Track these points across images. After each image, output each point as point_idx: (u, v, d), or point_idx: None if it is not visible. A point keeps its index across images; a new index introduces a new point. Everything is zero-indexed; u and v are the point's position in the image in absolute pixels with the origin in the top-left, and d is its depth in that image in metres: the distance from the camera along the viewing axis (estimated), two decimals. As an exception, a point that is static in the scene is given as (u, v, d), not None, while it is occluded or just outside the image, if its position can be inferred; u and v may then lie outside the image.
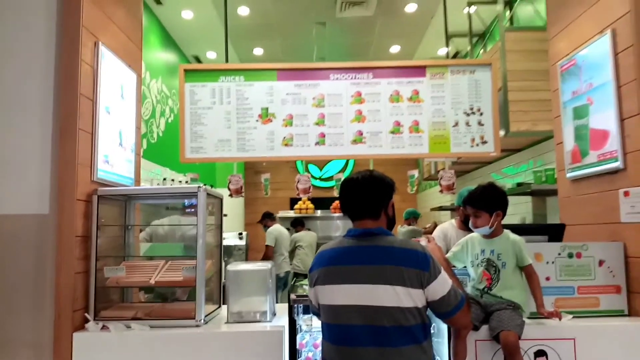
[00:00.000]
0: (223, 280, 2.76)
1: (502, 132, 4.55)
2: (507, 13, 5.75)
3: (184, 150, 3.63)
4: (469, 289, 2.38)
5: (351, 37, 7.30)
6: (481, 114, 3.62)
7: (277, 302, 2.75)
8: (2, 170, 2.37)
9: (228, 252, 6.54)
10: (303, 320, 2.56)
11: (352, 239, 1.90)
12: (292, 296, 2.47)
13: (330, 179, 10.70)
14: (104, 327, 2.33)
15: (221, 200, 2.87)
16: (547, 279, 2.45)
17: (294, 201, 9.40)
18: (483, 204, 2.27)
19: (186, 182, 6.10)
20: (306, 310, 2.46)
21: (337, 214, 8.59)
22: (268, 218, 7.28)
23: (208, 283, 2.55)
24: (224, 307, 2.62)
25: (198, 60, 7.93)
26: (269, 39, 7.42)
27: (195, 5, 6.24)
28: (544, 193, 4.82)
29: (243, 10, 6.44)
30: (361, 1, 6.14)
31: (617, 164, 2.50)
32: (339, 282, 1.82)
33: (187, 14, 6.46)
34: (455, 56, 7.34)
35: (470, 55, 6.66)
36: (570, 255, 2.49)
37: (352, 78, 3.68)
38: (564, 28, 3.02)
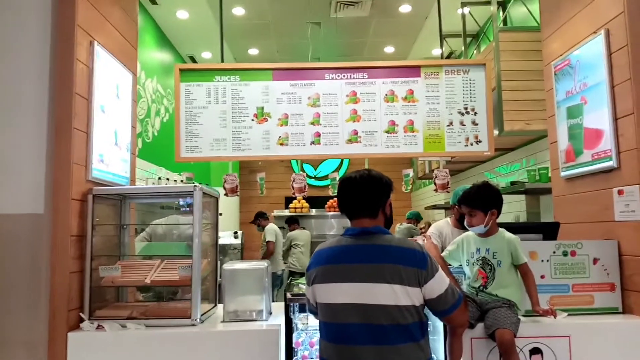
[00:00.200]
0: (219, 279, 2.75)
1: (496, 132, 4.58)
2: (501, 14, 5.78)
3: (179, 149, 3.62)
4: (464, 288, 2.39)
5: (346, 37, 7.32)
6: (475, 114, 3.64)
7: (273, 301, 2.75)
8: (-4, 170, 2.36)
9: (223, 251, 6.54)
10: (299, 319, 2.56)
11: (350, 237, 1.90)
12: (288, 295, 2.47)
13: (325, 177, 10.72)
14: (99, 327, 2.33)
15: (217, 199, 2.87)
16: (542, 277, 2.46)
17: (289, 200, 9.41)
18: (478, 202, 2.28)
19: (181, 181, 6.08)
20: (302, 309, 2.46)
21: (331, 213, 8.62)
22: (261, 217, 7.27)
23: (204, 282, 2.55)
24: (220, 306, 2.62)
25: (193, 60, 7.92)
26: (264, 38, 7.43)
27: (191, 5, 6.23)
28: (537, 192, 4.85)
29: (238, 10, 6.44)
30: (356, 2, 6.15)
31: (611, 163, 2.52)
32: (337, 281, 1.82)
33: (183, 14, 6.45)
34: (449, 56, 7.37)
35: (464, 56, 6.69)
36: (564, 254, 2.50)
37: (347, 78, 3.69)
38: (557, 28, 3.04)
